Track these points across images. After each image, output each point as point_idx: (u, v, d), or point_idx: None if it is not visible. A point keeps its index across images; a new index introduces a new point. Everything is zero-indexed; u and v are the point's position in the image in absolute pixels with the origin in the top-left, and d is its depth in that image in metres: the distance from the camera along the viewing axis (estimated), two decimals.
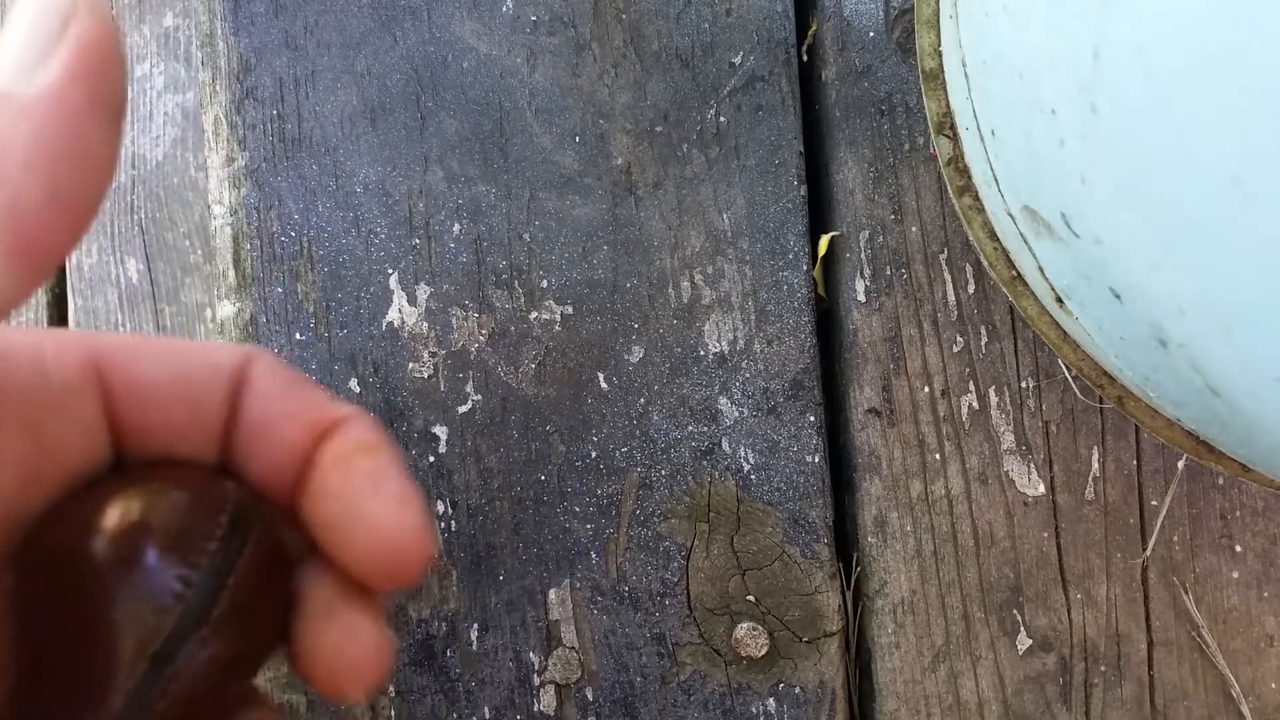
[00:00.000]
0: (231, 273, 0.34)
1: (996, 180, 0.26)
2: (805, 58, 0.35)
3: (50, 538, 0.17)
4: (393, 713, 0.33)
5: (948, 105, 0.29)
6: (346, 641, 0.18)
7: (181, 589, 0.16)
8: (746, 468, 0.33)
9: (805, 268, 0.34)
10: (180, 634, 0.16)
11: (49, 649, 0.16)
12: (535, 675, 0.33)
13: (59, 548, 0.16)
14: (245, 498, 0.18)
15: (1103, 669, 0.33)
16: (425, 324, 0.34)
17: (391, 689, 0.33)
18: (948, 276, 0.34)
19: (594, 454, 0.33)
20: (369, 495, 0.18)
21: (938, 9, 0.29)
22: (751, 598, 0.33)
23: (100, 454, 0.18)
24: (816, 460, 0.34)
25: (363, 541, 0.18)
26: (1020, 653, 0.33)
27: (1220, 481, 0.34)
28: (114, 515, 0.16)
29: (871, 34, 0.34)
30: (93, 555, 0.16)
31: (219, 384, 0.18)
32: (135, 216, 0.58)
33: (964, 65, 0.26)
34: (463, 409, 0.33)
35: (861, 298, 0.34)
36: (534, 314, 0.34)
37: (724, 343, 0.34)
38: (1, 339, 0.16)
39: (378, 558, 0.18)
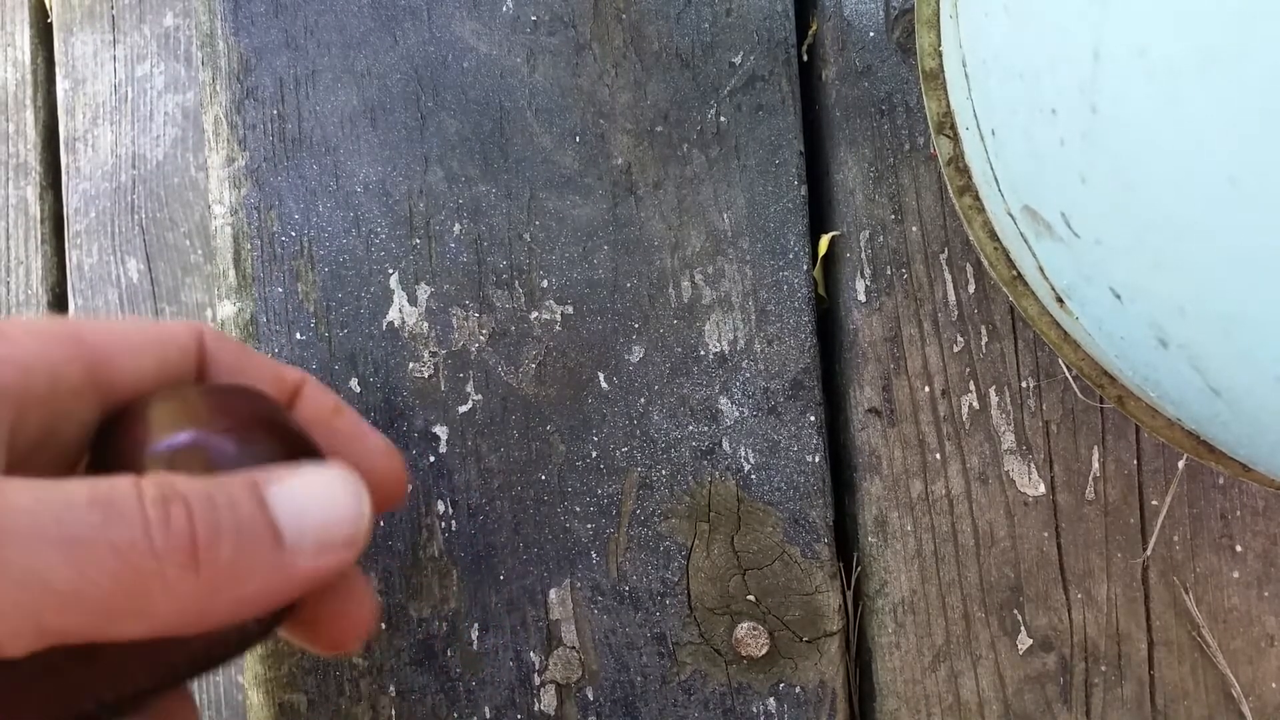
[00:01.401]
0: (232, 272, 0.34)
1: (997, 180, 0.26)
2: (805, 58, 0.35)
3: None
4: (393, 712, 0.33)
5: (948, 105, 0.29)
6: (351, 608, 0.22)
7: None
8: (747, 467, 0.33)
9: (805, 267, 0.34)
10: None
11: None
12: (536, 675, 0.33)
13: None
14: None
15: (1103, 669, 0.33)
16: (425, 324, 0.34)
17: (392, 688, 0.33)
18: (948, 276, 0.34)
19: (594, 454, 0.33)
20: (358, 446, 0.23)
21: (938, 9, 0.29)
22: (752, 597, 0.33)
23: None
24: (817, 460, 0.34)
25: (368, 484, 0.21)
26: (1020, 652, 0.33)
27: (1221, 481, 0.34)
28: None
29: (872, 34, 0.34)
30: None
31: (189, 363, 0.21)
32: (136, 216, 0.58)
33: (964, 65, 0.26)
34: (463, 409, 0.33)
35: (862, 297, 0.34)
36: (534, 314, 0.34)
37: (724, 342, 0.34)
38: (27, 357, 0.18)
39: (377, 493, 0.21)
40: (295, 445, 0.20)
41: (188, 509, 0.16)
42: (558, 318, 0.34)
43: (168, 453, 0.18)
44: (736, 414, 0.34)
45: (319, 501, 0.18)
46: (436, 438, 0.33)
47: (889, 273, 0.34)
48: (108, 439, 0.20)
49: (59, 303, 0.60)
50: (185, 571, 0.16)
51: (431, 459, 0.33)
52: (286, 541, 0.17)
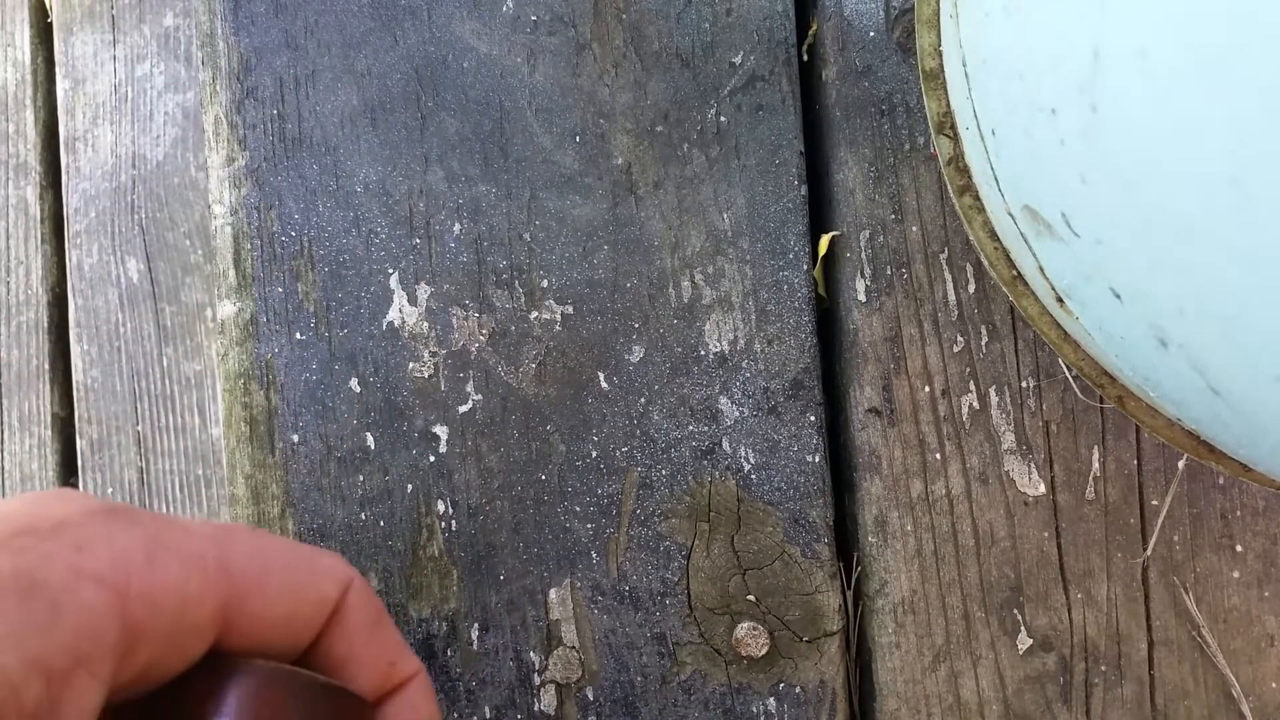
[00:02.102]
0: (232, 272, 0.34)
1: (997, 180, 0.26)
2: (805, 57, 0.35)
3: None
4: None
5: (948, 105, 0.29)
6: None
7: None
8: (747, 467, 0.34)
9: (805, 267, 0.34)
10: None
11: None
12: (536, 675, 0.33)
13: None
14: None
15: (1103, 669, 0.33)
16: (425, 324, 0.34)
17: None
18: (948, 276, 0.34)
19: (594, 454, 0.33)
20: None
21: (938, 9, 0.29)
22: (752, 597, 0.33)
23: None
24: (817, 460, 0.34)
25: None
26: (1020, 652, 0.33)
27: (1221, 481, 0.34)
28: None
29: (872, 34, 0.34)
30: None
31: (320, 617, 0.20)
32: (136, 216, 0.58)
33: (964, 65, 0.26)
34: (463, 409, 0.33)
35: (862, 297, 0.34)
36: (534, 314, 0.34)
37: (724, 342, 0.34)
38: (164, 592, 0.17)
39: None
40: None
41: None
42: (558, 317, 0.34)
43: None
44: (736, 414, 0.34)
45: None
46: (436, 438, 0.33)
47: (889, 273, 0.34)
48: (169, 701, 0.18)
49: (59, 303, 0.60)
50: None
51: (431, 459, 0.33)
52: None
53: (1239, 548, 0.34)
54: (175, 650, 0.17)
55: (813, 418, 0.34)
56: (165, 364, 0.58)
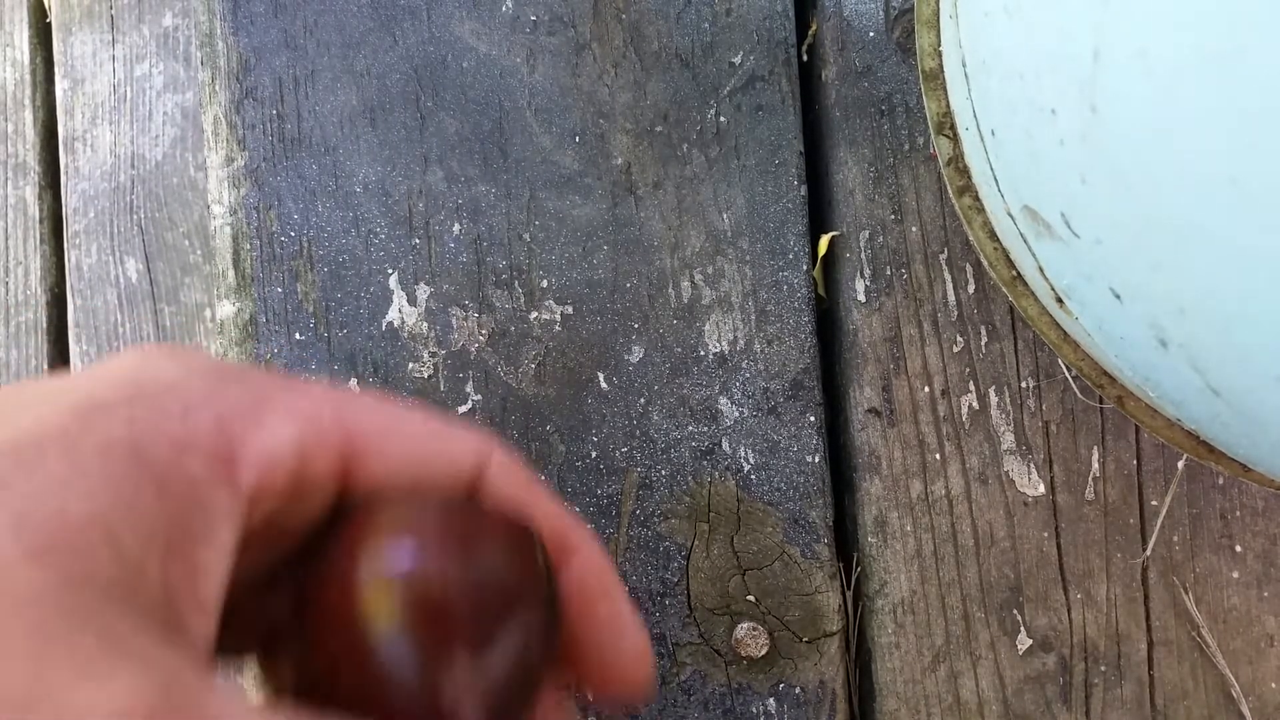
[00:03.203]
0: (231, 273, 0.34)
1: (996, 180, 0.26)
2: (805, 58, 0.35)
3: (343, 563, 0.17)
4: None
5: (948, 105, 0.29)
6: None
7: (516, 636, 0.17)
8: (746, 468, 0.33)
9: (805, 268, 0.34)
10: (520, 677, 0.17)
11: (338, 654, 0.16)
12: None
13: (352, 575, 0.17)
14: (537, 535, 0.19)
15: (1103, 669, 0.33)
16: (425, 324, 0.34)
17: None
18: (948, 276, 0.34)
19: (594, 454, 0.33)
20: (611, 644, 0.19)
21: (938, 9, 0.29)
22: (752, 598, 0.33)
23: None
24: (816, 460, 0.34)
25: (600, 676, 0.19)
26: (1020, 653, 0.33)
27: (1220, 481, 0.34)
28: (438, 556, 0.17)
29: (871, 34, 0.34)
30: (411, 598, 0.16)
31: (458, 486, 0.19)
32: (135, 216, 0.58)
33: (964, 65, 0.26)
34: (463, 409, 0.33)
35: (861, 298, 0.34)
36: (534, 314, 0.34)
37: (724, 343, 0.34)
38: (273, 451, 0.16)
39: (612, 689, 0.20)
40: (545, 623, 0.18)
41: None
42: (557, 318, 0.34)
43: (392, 582, 0.16)
44: (736, 414, 0.34)
45: None
46: None
47: (889, 273, 0.34)
48: (332, 540, 0.17)
49: (58, 303, 0.60)
50: None
51: None
52: None
53: (1239, 548, 0.34)
54: (293, 512, 0.17)
55: (812, 418, 0.34)
56: None
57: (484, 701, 0.17)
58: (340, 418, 0.17)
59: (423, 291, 0.34)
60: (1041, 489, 0.33)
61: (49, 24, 0.60)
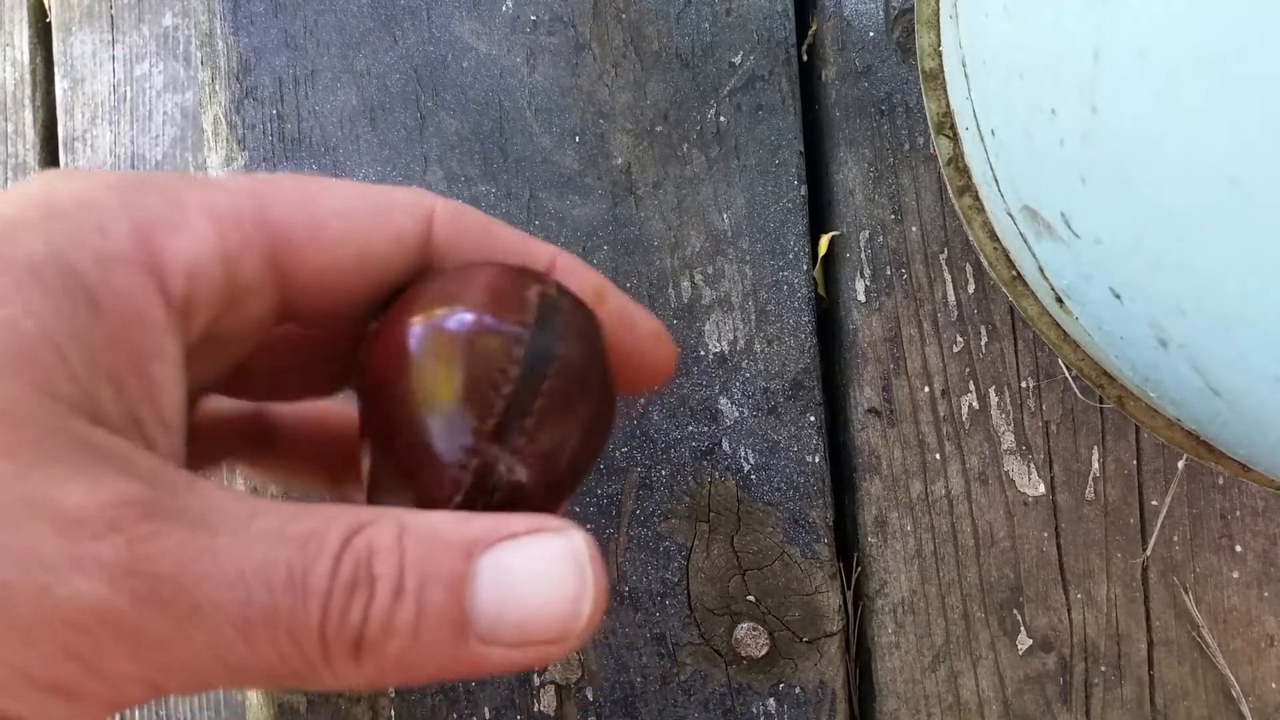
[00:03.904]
0: None
1: (996, 180, 0.26)
2: (805, 57, 0.35)
3: (382, 330, 0.17)
4: (393, 713, 0.33)
5: (948, 105, 0.29)
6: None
7: (516, 348, 0.16)
8: (747, 468, 0.33)
9: (805, 268, 0.34)
10: (523, 387, 0.16)
11: (392, 427, 0.16)
12: (535, 675, 0.33)
13: (388, 340, 0.17)
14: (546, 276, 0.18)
15: (1103, 669, 0.33)
16: None
17: (391, 689, 0.33)
18: (948, 276, 0.34)
19: None
20: (626, 332, 0.19)
21: (938, 9, 0.29)
22: (752, 598, 0.33)
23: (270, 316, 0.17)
24: (817, 460, 0.34)
25: (632, 370, 0.19)
26: (1020, 653, 0.33)
27: (1220, 481, 0.34)
28: (442, 294, 0.17)
29: (871, 34, 0.34)
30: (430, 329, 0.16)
31: (404, 254, 0.18)
32: None
33: (964, 65, 0.26)
34: None
35: (861, 298, 0.34)
36: None
37: (724, 342, 0.34)
38: (197, 256, 0.15)
39: (643, 378, 0.20)
40: (605, 392, 0.17)
41: (369, 598, 0.14)
42: None
43: (453, 341, 0.16)
44: (736, 414, 0.34)
45: (533, 588, 0.15)
46: None
47: (889, 273, 0.34)
48: (388, 313, 0.17)
49: None
50: (347, 662, 0.14)
51: None
52: (477, 633, 0.15)
53: (1239, 548, 0.34)
54: (233, 321, 0.16)
55: (812, 418, 0.34)
56: None
57: (541, 466, 0.16)
58: (262, 209, 0.16)
59: None
60: (1041, 489, 0.33)
61: (49, 24, 0.60)
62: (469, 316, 0.16)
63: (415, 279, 0.18)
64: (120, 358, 0.14)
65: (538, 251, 0.20)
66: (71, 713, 0.13)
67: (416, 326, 0.16)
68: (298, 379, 0.20)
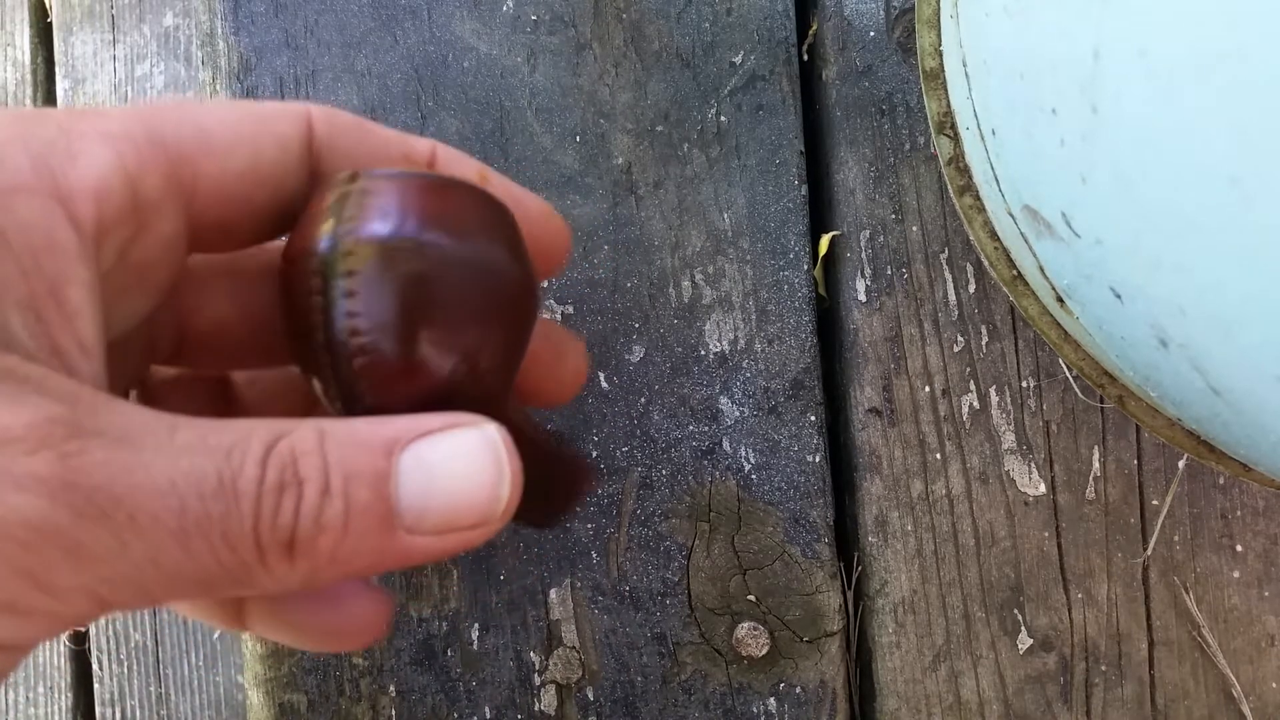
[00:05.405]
0: None
1: (997, 180, 0.26)
2: (806, 57, 0.35)
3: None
4: (393, 712, 0.33)
5: (948, 105, 0.29)
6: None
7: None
8: (747, 467, 0.33)
9: (806, 267, 0.34)
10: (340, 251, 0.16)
11: (310, 344, 0.17)
12: (536, 675, 0.33)
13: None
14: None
15: (1103, 668, 0.33)
16: None
17: (392, 688, 0.33)
18: (948, 276, 0.34)
19: (594, 453, 0.33)
20: (518, 214, 0.19)
21: (938, 9, 0.29)
22: (752, 597, 0.33)
23: (178, 257, 0.18)
24: (817, 460, 0.34)
25: (531, 251, 0.19)
26: (1021, 652, 0.33)
27: (1221, 481, 0.34)
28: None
29: (872, 34, 0.34)
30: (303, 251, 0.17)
31: (288, 156, 0.18)
32: None
33: (964, 65, 0.26)
34: None
35: (862, 297, 0.34)
36: None
37: (724, 342, 0.34)
38: (100, 180, 0.16)
39: (542, 258, 0.20)
40: (526, 301, 0.18)
41: (298, 499, 0.15)
42: (558, 317, 0.34)
43: (382, 241, 0.16)
44: (737, 414, 0.34)
45: (453, 478, 0.16)
46: None
47: (889, 272, 0.34)
48: (301, 214, 0.17)
49: None
50: (282, 560, 0.15)
51: None
52: (404, 524, 0.16)
53: (1239, 548, 0.34)
54: (146, 238, 0.17)
55: (813, 418, 0.34)
56: None
57: (464, 363, 0.17)
58: (152, 129, 0.17)
59: None
60: (1042, 488, 0.33)
61: (50, 24, 0.60)
62: (372, 223, 0.16)
63: (311, 191, 0.18)
64: (33, 287, 0.15)
65: (417, 145, 0.20)
66: (22, 630, 0.14)
67: (322, 240, 0.16)
68: (253, 348, 0.21)
